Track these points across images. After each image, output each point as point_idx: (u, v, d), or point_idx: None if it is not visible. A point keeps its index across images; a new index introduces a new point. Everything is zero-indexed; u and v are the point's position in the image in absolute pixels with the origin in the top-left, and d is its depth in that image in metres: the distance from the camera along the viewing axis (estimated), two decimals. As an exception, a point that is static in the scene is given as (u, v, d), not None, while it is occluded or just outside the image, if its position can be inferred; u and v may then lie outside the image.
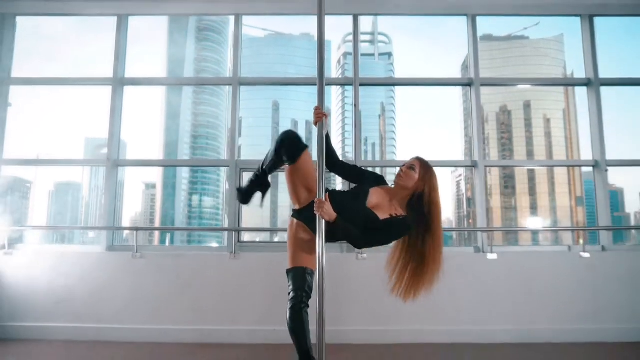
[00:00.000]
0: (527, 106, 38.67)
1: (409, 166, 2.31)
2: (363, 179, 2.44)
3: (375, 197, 2.31)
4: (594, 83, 4.59)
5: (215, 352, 3.69)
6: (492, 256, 4.16)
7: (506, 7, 4.66)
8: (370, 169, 2.61)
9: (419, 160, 2.35)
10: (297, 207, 2.41)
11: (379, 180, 2.44)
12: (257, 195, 2.60)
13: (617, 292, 4.07)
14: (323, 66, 2.33)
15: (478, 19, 4.67)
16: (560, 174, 28.79)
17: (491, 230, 4.31)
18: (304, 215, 2.35)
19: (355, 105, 4.52)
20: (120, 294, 4.08)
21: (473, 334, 3.99)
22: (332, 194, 2.31)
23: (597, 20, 4.72)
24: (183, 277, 4.11)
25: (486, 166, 4.50)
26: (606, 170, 4.43)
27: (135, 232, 4.22)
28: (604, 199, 4.44)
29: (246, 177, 4.58)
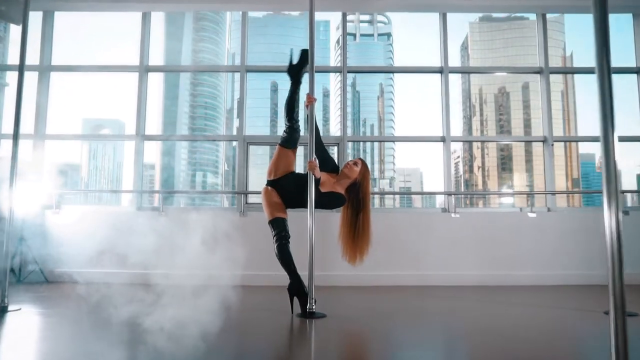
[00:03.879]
0: (525, 88, 39.04)
1: (354, 162, 3.30)
2: (324, 162, 3.37)
3: (323, 177, 3.30)
4: (544, 71, 5.46)
5: (226, 291, 4.56)
6: (455, 215, 5.06)
7: (472, 7, 5.48)
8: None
9: (362, 160, 3.35)
10: (272, 177, 3.37)
11: (334, 168, 3.41)
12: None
13: (557, 244, 4.97)
14: (313, 59, 3.24)
15: (448, 15, 5.50)
16: (558, 155, 29.54)
17: (454, 193, 5.20)
18: (279, 183, 3.35)
19: (343, 90, 5.38)
20: (150, 243, 4.97)
21: (439, 277, 4.90)
22: (296, 175, 3.36)
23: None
24: (201, 230, 4.99)
25: (453, 140, 5.38)
26: (552, 145, 5.31)
27: (160, 194, 5.14)
28: (550, 168, 5.35)
29: (253, 150, 5.48)
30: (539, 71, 5.52)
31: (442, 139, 5.40)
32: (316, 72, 3.51)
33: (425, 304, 3.88)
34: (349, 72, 5.48)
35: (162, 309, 3.02)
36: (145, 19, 5.54)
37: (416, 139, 5.63)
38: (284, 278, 3.35)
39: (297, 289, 3.23)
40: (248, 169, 5.38)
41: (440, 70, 5.48)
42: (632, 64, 5.56)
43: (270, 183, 3.38)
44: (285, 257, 3.25)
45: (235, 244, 4.48)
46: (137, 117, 5.43)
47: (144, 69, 5.49)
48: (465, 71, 5.65)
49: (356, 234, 3.25)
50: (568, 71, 5.65)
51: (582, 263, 4.89)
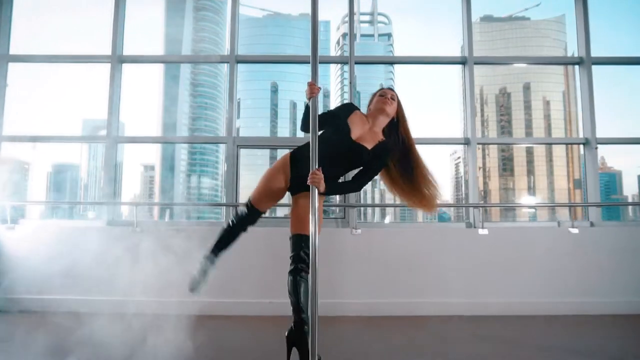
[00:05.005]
0: (526, 88, 38.43)
1: (391, 96, 2.60)
2: (334, 117, 2.55)
3: (356, 127, 2.49)
4: (585, 62, 4.65)
5: (211, 323, 3.78)
6: (483, 231, 4.27)
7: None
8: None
9: (393, 90, 2.68)
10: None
11: (350, 107, 2.61)
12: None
13: (604, 266, 4.18)
14: (317, 43, 2.42)
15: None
16: (559, 156, 28.81)
17: (482, 205, 4.41)
18: (292, 188, 2.53)
19: (350, 83, 4.58)
20: (121, 266, 4.17)
21: (464, 306, 4.11)
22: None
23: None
24: (182, 250, 4.19)
25: (479, 143, 4.59)
26: (596, 148, 4.52)
27: (135, 207, 4.32)
28: (593, 176, 4.54)
29: (243, 153, 4.68)
30: (578, 62, 4.72)
31: (466, 141, 4.61)
32: (320, 63, 2.73)
33: (458, 346, 3.08)
34: (356, 63, 4.67)
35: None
36: (119, 2, 4.74)
37: (435, 141, 4.77)
38: (280, 307, 2.53)
39: (299, 338, 2.40)
40: (239, 176, 4.57)
41: (462, 61, 4.69)
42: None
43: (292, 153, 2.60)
44: (295, 293, 2.39)
45: (217, 266, 3.70)
46: (108, 116, 4.63)
47: (117, 59, 4.69)
48: (492, 62, 4.83)
49: (416, 178, 2.61)
50: (616, 62, 4.78)
51: (634, 289, 4.12)
